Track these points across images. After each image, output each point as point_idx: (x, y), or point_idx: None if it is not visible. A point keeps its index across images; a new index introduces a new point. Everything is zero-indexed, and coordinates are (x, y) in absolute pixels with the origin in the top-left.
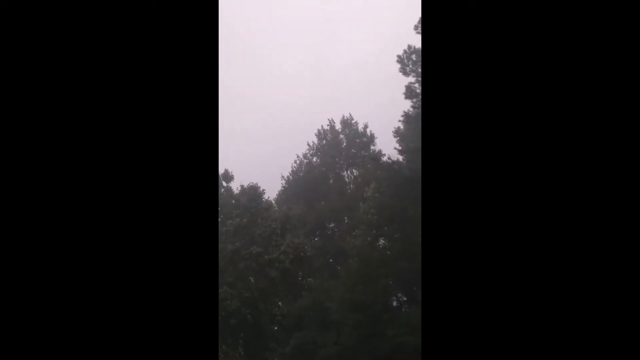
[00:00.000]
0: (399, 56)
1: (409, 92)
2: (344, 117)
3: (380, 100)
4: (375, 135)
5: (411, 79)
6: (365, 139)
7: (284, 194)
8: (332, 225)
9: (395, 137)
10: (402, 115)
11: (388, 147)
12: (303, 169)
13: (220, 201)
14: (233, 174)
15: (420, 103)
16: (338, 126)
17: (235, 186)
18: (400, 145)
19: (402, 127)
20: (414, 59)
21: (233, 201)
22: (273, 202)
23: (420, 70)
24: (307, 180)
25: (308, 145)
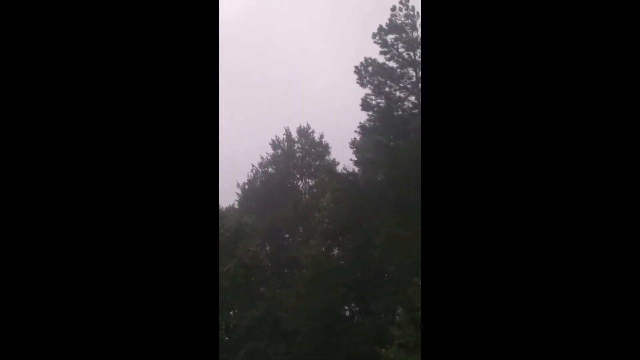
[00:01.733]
0: (356, 67)
1: (365, 104)
2: (300, 126)
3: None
4: (330, 145)
5: (368, 90)
6: (320, 149)
7: (239, 204)
8: (286, 235)
9: (351, 148)
10: (359, 127)
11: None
12: (259, 178)
13: None
14: None
15: (375, 115)
16: (294, 135)
17: None
18: (356, 156)
19: (358, 138)
20: (371, 70)
21: None
22: (227, 211)
23: (376, 82)
24: (262, 190)
25: (261, 157)
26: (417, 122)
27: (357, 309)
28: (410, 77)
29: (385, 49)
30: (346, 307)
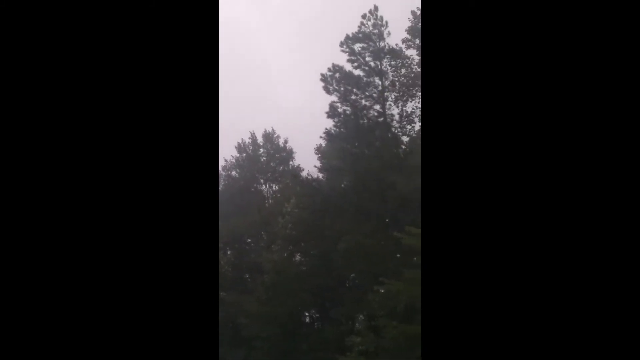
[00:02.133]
0: (322, 74)
1: (331, 111)
2: (265, 130)
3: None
4: (295, 151)
5: (334, 98)
6: (285, 154)
7: None
8: (248, 240)
9: (316, 154)
10: (324, 133)
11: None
12: (222, 182)
13: None
14: None
15: (341, 122)
16: (260, 140)
17: None
18: (320, 163)
19: (323, 144)
20: (338, 78)
21: None
22: None
23: (343, 89)
24: (225, 194)
25: (225, 160)
26: (382, 131)
27: (318, 315)
28: (376, 86)
29: (353, 58)
30: (307, 314)
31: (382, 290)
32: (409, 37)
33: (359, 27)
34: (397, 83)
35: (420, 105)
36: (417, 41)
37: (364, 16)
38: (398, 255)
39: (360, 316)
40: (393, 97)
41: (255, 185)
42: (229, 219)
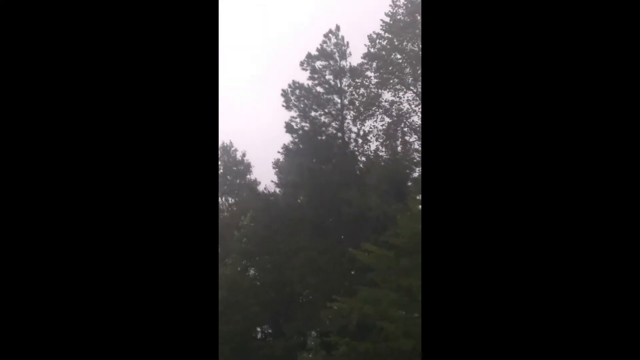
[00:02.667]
0: (283, 90)
1: (289, 127)
2: (223, 143)
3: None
4: (252, 165)
5: (293, 113)
6: (242, 168)
7: None
8: None
9: (274, 168)
10: (282, 148)
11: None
12: None
13: None
14: None
15: (299, 138)
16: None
17: None
18: (278, 177)
19: (281, 159)
20: (297, 94)
21: None
22: None
23: (302, 106)
24: None
25: None
26: (340, 148)
27: (270, 330)
28: (335, 104)
29: (314, 75)
30: (258, 329)
31: (335, 307)
32: (367, 60)
33: (320, 45)
34: (356, 102)
35: (376, 125)
36: (374, 64)
37: (325, 35)
38: (352, 272)
39: (313, 332)
40: (352, 115)
41: None
42: None
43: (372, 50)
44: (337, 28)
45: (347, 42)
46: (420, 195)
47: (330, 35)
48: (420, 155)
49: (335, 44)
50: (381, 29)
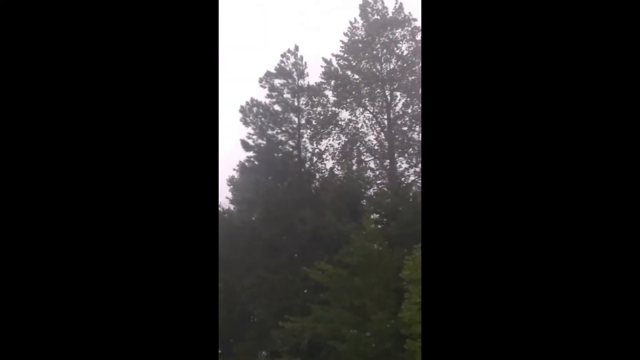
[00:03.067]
0: (241, 106)
1: (245, 144)
2: None
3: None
4: None
5: (250, 130)
6: None
7: None
8: None
9: (228, 185)
10: (238, 165)
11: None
12: None
13: None
14: None
15: (256, 155)
16: None
17: None
18: (232, 195)
19: (236, 176)
20: (255, 111)
21: None
22: None
23: (259, 123)
24: None
25: None
26: (296, 166)
27: (220, 350)
28: (292, 122)
29: (272, 93)
30: None
31: (287, 327)
32: (325, 79)
33: (278, 64)
34: (313, 120)
35: (332, 144)
36: (332, 82)
37: (283, 55)
38: (305, 291)
39: (263, 352)
40: (308, 133)
41: None
42: None
43: (330, 69)
44: (296, 48)
45: (305, 62)
46: (375, 215)
47: (288, 54)
48: (374, 174)
49: (294, 64)
50: (340, 50)
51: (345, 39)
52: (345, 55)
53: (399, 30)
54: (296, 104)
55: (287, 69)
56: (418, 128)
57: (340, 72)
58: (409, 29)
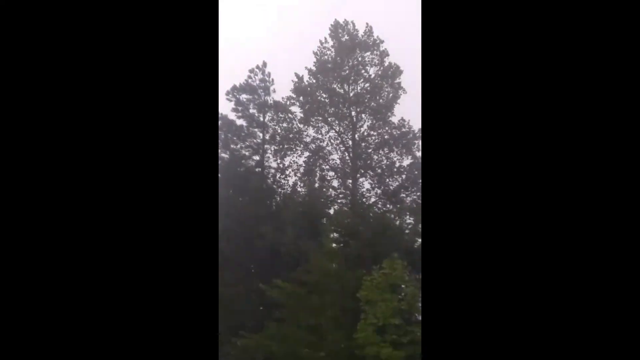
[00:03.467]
0: None
1: None
2: None
3: None
4: None
5: None
6: None
7: None
8: None
9: None
10: None
11: None
12: None
13: None
14: None
15: (219, 169)
16: None
17: None
18: None
19: None
20: (220, 125)
21: None
22: None
23: (223, 136)
24: None
25: None
26: (258, 181)
27: None
28: (256, 137)
29: (238, 107)
30: None
31: (239, 344)
32: (293, 95)
33: (246, 79)
34: (277, 136)
35: (296, 160)
36: (300, 99)
37: (251, 70)
38: (261, 308)
39: None
40: (272, 149)
41: None
42: None
43: (300, 85)
44: (264, 64)
45: (273, 79)
46: (335, 234)
47: (256, 70)
48: (336, 193)
49: (261, 80)
50: (310, 68)
51: (314, 59)
52: (314, 73)
53: (368, 53)
54: (262, 119)
55: (254, 85)
56: (384, 152)
57: (309, 89)
58: (377, 52)
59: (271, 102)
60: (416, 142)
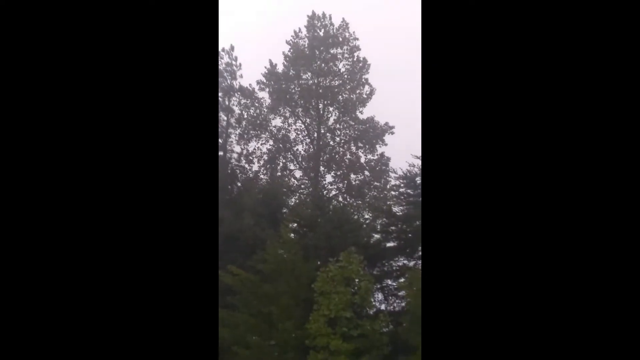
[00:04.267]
0: None
1: None
2: None
3: None
4: None
5: None
6: None
7: None
8: None
9: None
10: None
11: None
12: None
13: None
14: None
15: None
16: None
17: None
18: None
19: None
20: None
21: None
22: None
23: None
24: None
25: None
26: (220, 165)
27: None
28: (221, 121)
29: None
30: None
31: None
32: (264, 80)
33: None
34: (244, 122)
35: (260, 147)
36: (270, 87)
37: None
38: None
39: None
40: (237, 134)
41: None
42: None
43: (271, 71)
44: (232, 48)
45: (240, 64)
46: (294, 224)
47: (222, 53)
48: (298, 183)
49: (227, 64)
50: (284, 54)
51: (287, 48)
52: (286, 63)
53: (339, 49)
54: (227, 103)
55: (220, 67)
56: (348, 147)
57: (283, 77)
58: (349, 48)
59: (237, 86)
60: (382, 138)
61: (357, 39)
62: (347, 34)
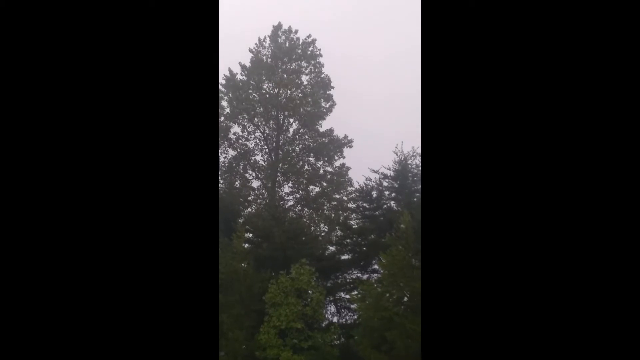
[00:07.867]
0: None
1: None
2: None
3: None
4: None
5: None
6: None
7: None
8: None
9: None
10: None
11: None
12: None
13: None
14: None
15: None
16: None
17: None
18: None
19: None
20: None
21: None
22: None
23: None
24: None
25: None
26: None
27: None
28: None
29: None
30: None
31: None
32: (223, 89)
33: None
34: None
35: (218, 156)
36: (230, 94)
37: None
38: None
39: None
40: None
41: None
42: None
43: (230, 79)
44: None
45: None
46: (249, 234)
47: None
48: (255, 194)
49: None
50: (241, 65)
51: (250, 56)
52: (248, 71)
53: (304, 62)
54: None
55: None
56: (307, 158)
57: (241, 85)
58: (314, 62)
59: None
60: (341, 150)
61: (320, 49)
62: (311, 49)
